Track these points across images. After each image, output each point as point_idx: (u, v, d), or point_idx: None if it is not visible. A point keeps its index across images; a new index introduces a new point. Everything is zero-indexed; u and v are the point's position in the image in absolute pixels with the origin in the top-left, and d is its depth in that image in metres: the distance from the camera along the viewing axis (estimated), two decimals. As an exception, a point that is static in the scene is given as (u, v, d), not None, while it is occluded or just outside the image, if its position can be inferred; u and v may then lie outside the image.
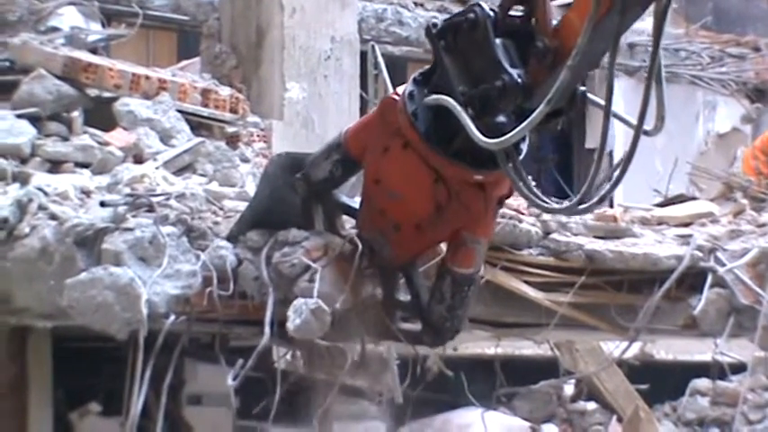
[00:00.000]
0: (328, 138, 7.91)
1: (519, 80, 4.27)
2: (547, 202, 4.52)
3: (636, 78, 13.19)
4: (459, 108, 4.36)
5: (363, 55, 10.88)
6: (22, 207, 6.03)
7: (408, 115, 4.57)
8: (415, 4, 13.96)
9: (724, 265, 5.80)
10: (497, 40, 4.37)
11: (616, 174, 4.33)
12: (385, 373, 6.76)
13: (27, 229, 5.89)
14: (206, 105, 8.48)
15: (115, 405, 6.03)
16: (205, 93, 8.52)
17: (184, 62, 10.37)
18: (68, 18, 9.22)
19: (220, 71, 9.43)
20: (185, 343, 5.73)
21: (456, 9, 14.50)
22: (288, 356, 6.24)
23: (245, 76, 9.40)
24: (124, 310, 5.42)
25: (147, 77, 8.34)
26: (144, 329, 5.39)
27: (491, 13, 4.40)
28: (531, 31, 4.37)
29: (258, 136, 8.69)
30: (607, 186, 4.37)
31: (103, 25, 9.81)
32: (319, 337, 5.48)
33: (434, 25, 4.60)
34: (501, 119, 4.39)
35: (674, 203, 6.28)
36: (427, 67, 4.70)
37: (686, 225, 6.39)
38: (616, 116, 4.25)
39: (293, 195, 5.75)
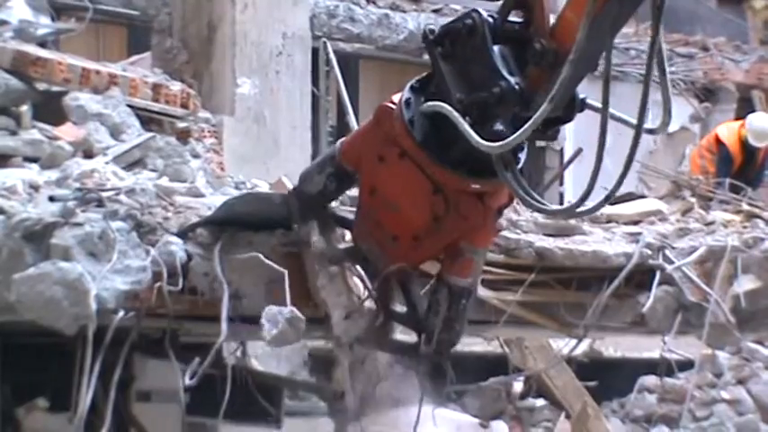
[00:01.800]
0: (279, 134, 7.76)
1: (516, 87, 4.20)
2: (547, 207, 4.44)
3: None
4: (456, 114, 4.26)
5: (315, 51, 10.85)
6: None
7: (405, 123, 4.47)
8: (367, 0, 13.73)
9: (672, 262, 5.75)
10: (495, 47, 4.29)
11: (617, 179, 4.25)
12: (336, 370, 6.54)
13: None
14: (157, 100, 8.38)
15: (63, 401, 5.99)
16: (156, 88, 8.41)
17: (135, 57, 10.21)
18: (17, 11, 8.92)
19: (171, 66, 9.33)
20: (135, 339, 5.61)
21: (407, 6, 14.27)
22: (237, 353, 6.23)
23: (197, 72, 9.33)
24: (73, 306, 5.30)
25: (98, 72, 8.17)
26: (93, 325, 5.26)
27: (489, 19, 4.32)
28: (529, 36, 4.27)
29: (209, 132, 8.63)
30: (609, 190, 4.23)
31: (53, 19, 9.47)
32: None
33: (431, 31, 4.48)
34: (499, 126, 4.27)
35: (623, 202, 6.31)
36: (424, 73, 4.59)
37: (635, 223, 6.35)
38: (614, 117, 4.18)
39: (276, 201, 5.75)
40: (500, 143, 4.05)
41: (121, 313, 5.35)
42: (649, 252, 5.81)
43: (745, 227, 6.34)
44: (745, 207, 6.92)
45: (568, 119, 4.29)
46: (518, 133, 4.03)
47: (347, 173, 4.81)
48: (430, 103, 4.38)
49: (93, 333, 5.28)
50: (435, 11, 14.20)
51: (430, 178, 4.47)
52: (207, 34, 9.53)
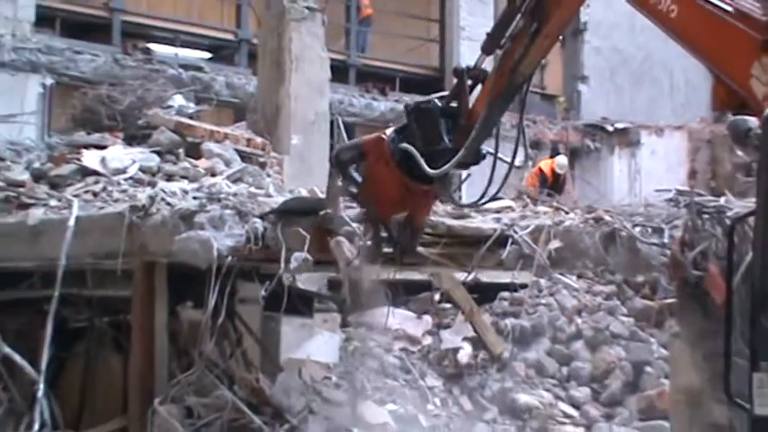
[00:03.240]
0: (312, 165, 10.12)
1: (449, 145, 5.58)
2: (459, 202, 6.15)
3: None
4: (417, 154, 5.61)
5: (332, 122, 12.98)
6: (152, 198, 7.87)
7: (390, 150, 5.75)
8: (360, 95, 16.80)
9: (517, 233, 7.10)
10: (441, 120, 5.64)
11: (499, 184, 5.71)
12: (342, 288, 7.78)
13: (155, 210, 7.71)
14: (248, 146, 10.29)
15: (200, 303, 7.74)
16: (248, 140, 10.42)
17: (237, 124, 12.19)
18: (177, 100, 11.06)
19: (256, 128, 11.22)
20: (236, 271, 7.49)
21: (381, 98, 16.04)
22: (289, 278, 7.74)
23: (270, 132, 11.16)
24: (205, 253, 7.14)
25: (218, 131, 10.15)
26: (215, 264, 7.10)
27: (439, 104, 5.67)
28: (458, 115, 5.61)
29: (276, 163, 10.48)
30: (493, 192, 5.86)
31: (195, 103, 11.64)
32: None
33: (407, 105, 5.85)
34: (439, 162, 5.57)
35: (492, 201, 6.68)
36: (402, 125, 5.86)
37: (498, 212, 7.83)
38: (499, 158, 5.61)
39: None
40: (436, 171, 5.57)
41: (230, 258, 7.15)
42: (505, 227, 7.16)
43: (554, 214, 7.78)
44: (555, 205, 8.54)
45: (477, 162, 5.69)
46: (443, 169, 5.54)
47: (363, 155, 5.98)
48: (404, 144, 5.72)
49: (215, 268, 7.11)
50: (395, 101, 17.27)
51: (399, 179, 5.81)
52: (275, 112, 11.34)
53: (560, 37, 5.65)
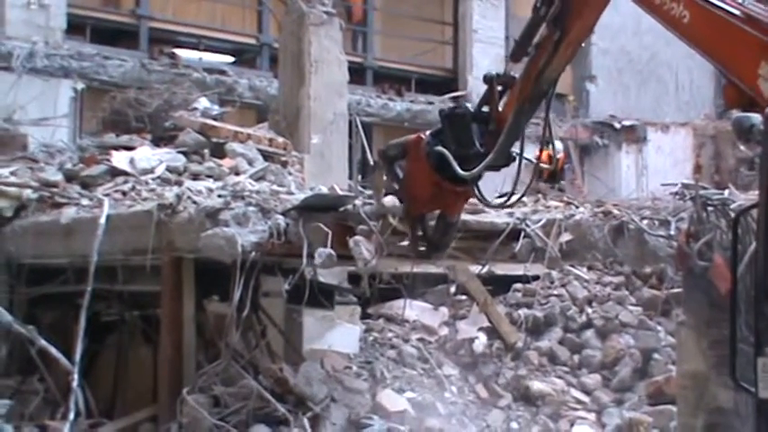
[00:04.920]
0: (331, 163, 10.13)
1: (481, 149, 5.58)
2: (489, 201, 6.00)
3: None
4: (450, 157, 5.62)
5: (350, 122, 12.86)
6: (179, 197, 8.01)
7: (427, 152, 5.77)
8: (377, 96, 16.69)
9: (529, 226, 7.39)
10: (473, 124, 5.63)
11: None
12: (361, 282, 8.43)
13: (181, 208, 7.84)
14: (270, 146, 10.32)
15: (226, 296, 7.92)
16: (270, 140, 10.46)
17: (260, 125, 12.10)
18: (203, 102, 11.16)
19: (278, 129, 11.16)
20: (260, 265, 7.61)
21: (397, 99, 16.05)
22: (311, 272, 7.69)
23: (291, 132, 11.07)
24: (230, 249, 7.29)
25: (241, 132, 10.20)
26: (239, 259, 7.25)
27: (471, 109, 5.70)
28: (488, 120, 5.64)
29: (297, 162, 10.47)
30: (520, 194, 5.85)
31: (219, 106, 11.73)
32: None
33: (442, 110, 5.88)
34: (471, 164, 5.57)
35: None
36: (438, 128, 5.85)
37: (511, 206, 6.79)
38: (525, 158, 5.62)
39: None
40: (468, 174, 5.57)
41: (254, 253, 7.28)
42: (518, 221, 7.45)
43: (565, 208, 8.00)
44: (565, 199, 8.78)
45: (507, 164, 5.66)
46: (475, 170, 5.54)
47: (406, 151, 5.93)
48: (438, 147, 5.71)
49: (240, 263, 7.26)
50: (411, 101, 17.25)
51: (433, 179, 5.80)
52: (296, 112, 11.15)
53: (582, 44, 5.72)
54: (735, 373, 3.79)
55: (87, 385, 8.74)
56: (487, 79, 5.63)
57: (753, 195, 6.02)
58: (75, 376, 8.10)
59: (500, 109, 5.58)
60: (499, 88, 5.60)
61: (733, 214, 6.09)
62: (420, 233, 6.17)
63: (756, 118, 3.78)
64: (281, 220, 7.48)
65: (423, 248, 6.20)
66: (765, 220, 3.61)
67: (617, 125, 19.67)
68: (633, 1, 5.00)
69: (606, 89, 20.70)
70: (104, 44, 15.38)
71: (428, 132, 5.83)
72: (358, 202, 7.24)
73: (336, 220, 7.18)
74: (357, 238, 6.88)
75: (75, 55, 14.44)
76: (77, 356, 8.15)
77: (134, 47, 15.68)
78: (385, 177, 6.13)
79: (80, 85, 13.93)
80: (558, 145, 16.06)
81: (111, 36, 15.79)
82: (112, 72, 14.56)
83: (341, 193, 8.08)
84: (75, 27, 15.25)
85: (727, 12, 4.54)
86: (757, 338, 3.54)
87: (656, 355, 10.78)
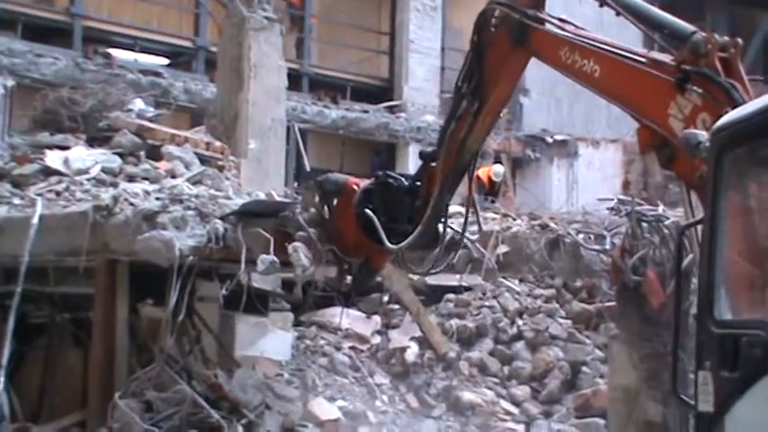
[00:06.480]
0: (269, 169, 10.04)
1: (410, 226, 5.97)
2: (413, 268, 6.52)
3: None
4: (379, 227, 6.00)
5: (288, 128, 13.07)
6: (115, 199, 8.04)
7: (357, 208, 6.11)
8: (312, 103, 16.87)
9: (467, 237, 7.18)
10: (406, 199, 6.02)
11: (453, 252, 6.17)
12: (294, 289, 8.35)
13: (118, 210, 7.91)
14: (208, 150, 10.35)
15: (161, 300, 7.95)
16: (207, 144, 10.47)
17: (196, 128, 12.24)
18: (138, 104, 11.04)
19: (215, 133, 11.29)
20: (197, 270, 7.75)
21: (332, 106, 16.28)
22: (246, 278, 7.89)
23: (228, 136, 11.26)
24: (167, 253, 7.47)
25: (178, 135, 10.22)
26: (176, 263, 7.42)
27: (405, 183, 6.07)
28: (419, 194, 5.96)
29: (234, 167, 10.58)
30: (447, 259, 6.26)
31: (154, 108, 11.56)
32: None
33: (378, 175, 6.16)
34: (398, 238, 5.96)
35: None
36: (370, 185, 6.17)
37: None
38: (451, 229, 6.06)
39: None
40: (393, 247, 5.96)
41: (191, 257, 7.48)
42: (455, 232, 6.76)
43: (501, 220, 8.26)
44: (503, 211, 9.04)
45: (434, 243, 6.02)
46: (403, 244, 5.93)
47: (341, 193, 6.29)
48: (368, 212, 6.02)
49: (177, 267, 7.42)
50: (347, 109, 17.48)
51: (359, 231, 6.11)
52: (234, 117, 11.43)
53: (499, 115, 5.90)
54: (675, 386, 3.85)
55: (13, 389, 8.65)
56: (423, 156, 5.89)
57: (680, 212, 6.41)
58: (1, 379, 8.03)
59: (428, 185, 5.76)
60: (433, 164, 5.80)
61: (677, 230, 6.22)
62: (346, 267, 6.43)
63: (704, 135, 3.85)
64: (219, 224, 7.56)
65: (346, 287, 6.56)
66: (710, 235, 3.63)
67: (549, 139, 19.96)
68: (547, 63, 5.48)
69: (539, 102, 20.99)
70: (37, 41, 15.10)
71: (362, 187, 6.02)
72: (296, 208, 7.27)
73: (275, 226, 7.23)
74: (296, 244, 6.90)
75: (6, 51, 14.16)
76: (4, 359, 8.06)
77: (68, 45, 15.47)
78: (317, 200, 6.40)
79: (10, 82, 13.66)
80: (499, 168, 16.51)
81: (43, 33, 15.54)
82: (44, 70, 14.37)
83: (279, 198, 8.16)
84: (6, 23, 15.00)
85: (635, 60, 4.84)
86: (699, 352, 3.61)
87: (584, 369, 10.98)
